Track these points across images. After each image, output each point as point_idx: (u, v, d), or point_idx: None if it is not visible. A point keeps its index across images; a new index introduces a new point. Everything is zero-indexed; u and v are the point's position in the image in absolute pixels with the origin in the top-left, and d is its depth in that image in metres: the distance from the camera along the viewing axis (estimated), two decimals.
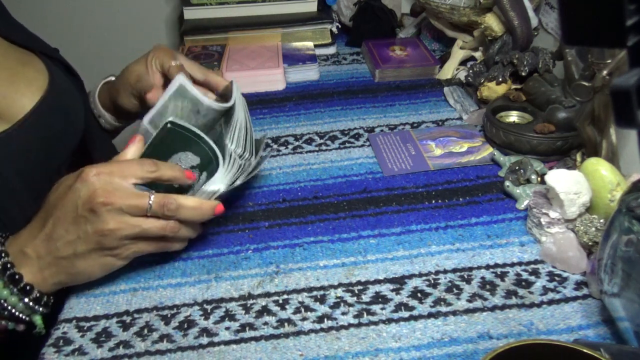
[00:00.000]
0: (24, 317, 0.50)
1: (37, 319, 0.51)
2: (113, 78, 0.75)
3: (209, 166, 0.57)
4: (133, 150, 0.55)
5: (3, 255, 0.50)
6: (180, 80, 0.61)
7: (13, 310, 0.49)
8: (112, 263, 0.52)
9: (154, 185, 0.53)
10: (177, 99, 0.61)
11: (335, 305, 0.52)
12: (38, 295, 0.50)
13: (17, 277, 0.49)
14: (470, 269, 0.56)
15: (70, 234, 0.50)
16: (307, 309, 0.52)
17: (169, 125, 0.57)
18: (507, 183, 0.65)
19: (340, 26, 1.13)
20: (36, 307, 0.50)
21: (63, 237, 0.50)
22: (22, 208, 0.58)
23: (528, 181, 0.65)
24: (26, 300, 0.50)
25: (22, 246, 0.50)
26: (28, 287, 0.50)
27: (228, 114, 0.63)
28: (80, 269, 0.51)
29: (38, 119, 0.61)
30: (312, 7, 1.11)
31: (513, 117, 0.77)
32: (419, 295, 0.53)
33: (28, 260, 0.50)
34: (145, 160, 0.53)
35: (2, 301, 0.49)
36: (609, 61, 0.60)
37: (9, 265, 0.49)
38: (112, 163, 0.52)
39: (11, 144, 0.58)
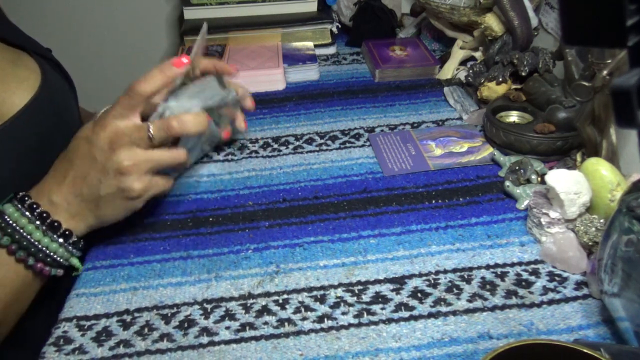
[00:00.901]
0: (63, 261, 0.55)
1: (75, 262, 0.56)
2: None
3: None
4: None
5: (35, 206, 0.53)
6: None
7: (55, 256, 0.54)
8: (132, 198, 0.56)
9: None
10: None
11: (335, 305, 0.53)
12: (75, 239, 0.55)
13: (55, 224, 0.54)
14: (470, 269, 0.56)
15: (92, 178, 0.54)
16: (307, 308, 0.52)
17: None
18: (507, 183, 0.65)
19: (340, 26, 1.13)
20: (74, 250, 0.55)
21: (87, 181, 0.54)
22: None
23: (528, 181, 0.65)
24: (66, 244, 0.54)
25: (50, 196, 0.54)
26: (67, 232, 0.54)
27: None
28: (107, 211, 0.56)
29: (30, 117, 0.61)
30: (312, 7, 1.11)
31: (513, 117, 0.77)
32: (419, 295, 0.53)
33: (58, 208, 0.54)
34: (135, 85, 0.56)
35: (44, 248, 0.53)
36: (609, 61, 0.60)
37: (44, 215, 0.53)
38: (117, 102, 0.56)
39: (2, 141, 0.58)
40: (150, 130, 0.55)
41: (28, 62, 0.67)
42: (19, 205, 0.53)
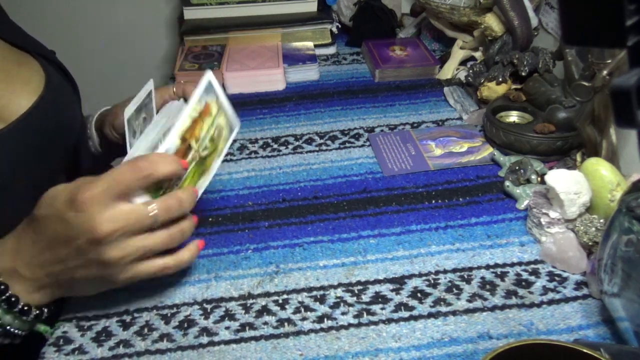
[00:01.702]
0: (21, 333, 0.49)
1: (40, 327, 0.50)
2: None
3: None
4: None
5: None
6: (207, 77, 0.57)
7: (9, 328, 0.48)
8: (113, 284, 0.49)
9: None
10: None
11: (335, 305, 0.53)
12: (37, 312, 0.49)
13: (13, 299, 0.47)
14: (470, 269, 0.56)
15: (69, 262, 0.46)
16: (307, 308, 0.52)
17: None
18: (507, 183, 0.65)
19: (340, 26, 1.13)
20: (35, 321, 0.49)
21: (61, 264, 0.47)
22: (17, 207, 0.58)
23: (528, 181, 0.65)
24: (24, 318, 0.48)
25: (14, 265, 0.47)
26: (26, 308, 0.48)
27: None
28: (81, 290, 0.50)
29: (34, 119, 0.61)
30: (312, 7, 1.11)
31: (513, 117, 0.77)
32: (419, 295, 0.53)
33: (22, 280, 0.47)
34: (137, 162, 0.47)
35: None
36: (609, 61, 0.60)
37: (2, 287, 0.47)
38: (102, 179, 0.46)
39: (7, 143, 0.58)
40: (153, 213, 0.46)
41: (32, 64, 0.67)
42: None
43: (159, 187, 0.49)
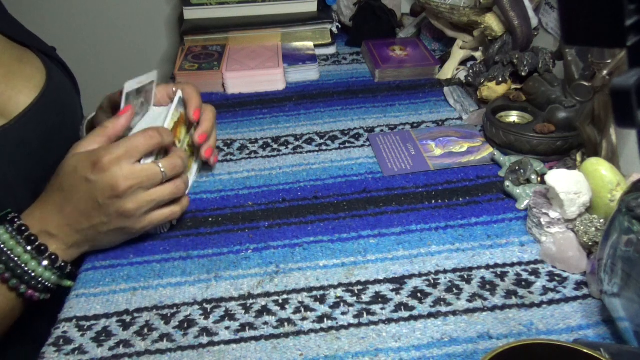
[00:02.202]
0: (53, 286, 0.55)
1: (68, 283, 0.56)
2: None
3: None
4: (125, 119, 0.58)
5: (24, 228, 0.53)
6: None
7: (46, 283, 0.54)
8: (131, 233, 0.58)
9: None
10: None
11: (335, 305, 0.53)
12: (63, 264, 0.55)
13: (53, 257, 0.53)
14: (470, 269, 0.56)
15: (93, 218, 0.54)
16: (307, 309, 0.52)
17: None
18: (507, 183, 0.65)
19: (340, 26, 1.13)
20: (63, 275, 0.55)
21: (88, 220, 0.54)
22: (18, 203, 0.58)
23: (528, 181, 0.65)
24: (55, 270, 0.54)
25: (45, 226, 0.54)
26: (62, 264, 0.54)
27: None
28: (104, 242, 0.58)
29: (35, 115, 0.62)
30: (312, 7, 1.11)
31: (513, 117, 0.77)
32: (419, 295, 0.53)
33: (53, 238, 0.54)
34: (148, 131, 0.56)
35: (36, 276, 0.53)
36: (609, 61, 0.60)
37: (32, 238, 0.53)
38: (120, 145, 0.54)
39: (8, 139, 0.58)
40: (164, 170, 0.56)
41: (33, 61, 0.67)
42: (10, 228, 0.52)
43: (157, 154, 0.58)
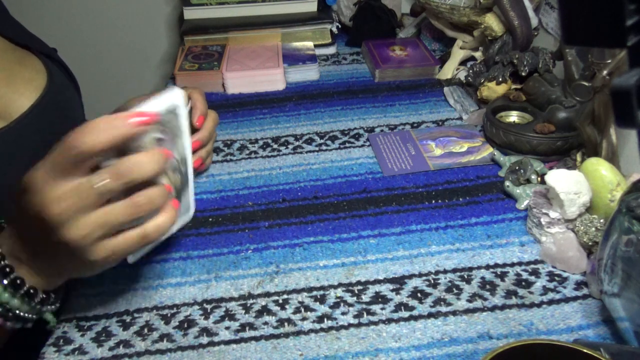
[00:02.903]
0: (30, 316, 0.48)
1: (48, 316, 0.49)
2: None
3: None
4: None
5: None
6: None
7: (18, 312, 0.47)
8: (92, 267, 0.47)
9: None
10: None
11: (335, 305, 0.53)
12: (44, 296, 0.48)
13: (18, 281, 0.46)
14: (470, 269, 0.56)
15: (41, 245, 0.45)
16: (307, 309, 0.52)
17: None
18: (507, 183, 0.65)
19: (340, 26, 1.13)
20: (43, 308, 0.48)
21: (37, 247, 0.46)
22: None
23: (528, 181, 0.65)
24: (31, 302, 0.47)
25: (13, 249, 0.47)
26: (32, 291, 0.47)
27: None
28: (73, 271, 0.48)
29: (36, 118, 0.61)
30: (312, 7, 1.11)
31: (513, 117, 0.77)
32: (419, 295, 0.53)
33: (23, 264, 0.47)
34: (67, 136, 0.42)
35: (5, 305, 0.46)
36: (609, 61, 0.60)
37: (7, 270, 0.46)
38: (45, 158, 0.43)
39: (9, 141, 0.58)
40: (99, 184, 0.42)
41: (34, 62, 0.67)
42: None
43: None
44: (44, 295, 0.48)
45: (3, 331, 0.48)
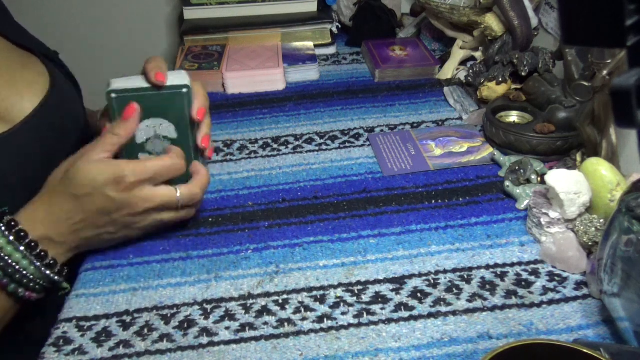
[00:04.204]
0: (48, 285, 0.54)
1: (64, 284, 0.56)
2: None
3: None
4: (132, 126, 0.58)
5: (23, 234, 0.52)
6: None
7: (43, 283, 0.53)
8: (129, 237, 0.60)
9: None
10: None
11: (335, 305, 0.53)
12: (60, 267, 0.55)
13: (42, 254, 0.53)
14: (470, 269, 0.56)
15: (102, 228, 0.56)
16: (307, 309, 0.52)
17: (112, 95, 0.58)
18: (507, 183, 0.65)
19: (340, 26, 1.13)
20: (59, 277, 0.55)
21: (95, 229, 0.56)
22: (21, 207, 0.58)
23: (528, 181, 0.65)
24: (51, 273, 0.54)
25: (47, 232, 0.54)
26: (52, 262, 0.54)
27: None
28: (102, 245, 0.59)
29: (39, 121, 0.61)
30: (312, 7, 1.11)
31: (513, 117, 0.77)
32: (419, 295, 0.53)
33: (54, 244, 0.54)
34: (175, 160, 0.58)
35: (30, 276, 0.52)
36: (609, 61, 0.60)
37: (32, 245, 0.52)
38: (147, 169, 0.55)
39: (12, 144, 0.58)
40: (179, 196, 0.57)
41: (37, 66, 0.67)
42: (7, 232, 0.51)
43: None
44: (60, 267, 0.55)
45: (24, 303, 0.54)
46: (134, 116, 0.57)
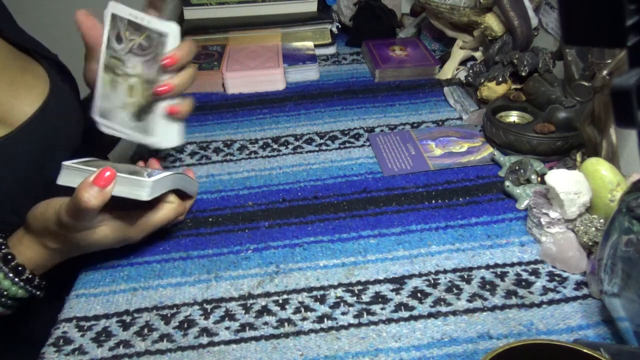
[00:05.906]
0: (21, 297, 0.54)
1: (37, 293, 0.56)
2: None
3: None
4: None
5: (10, 257, 0.53)
6: (110, 9, 0.61)
7: (14, 298, 0.53)
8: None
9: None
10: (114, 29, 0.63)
11: (335, 305, 0.53)
12: (35, 280, 0.55)
13: (20, 268, 0.53)
14: (470, 269, 0.56)
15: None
16: (307, 309, 0.52)
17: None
18: (507, 183, 0.65)
19: (340, 26, 1.13)
20: (35, 291, 0.55)
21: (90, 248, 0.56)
22: (19, 211, 0.58)
23: (528, 181, 0.65)
24: (27, 286, 0.54)
25: (40, 261, 0.55)
26: (30, 276, 0.54)
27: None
28: (99, 247, 0.57)
29: (39, 125, 0.61)
30: (312, 7, 1.11)
31: (513, 117, 0.77)
32: (419, 295, 0.53)
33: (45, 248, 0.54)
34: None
35: (5, 293, 0.52)
36: (609, 61, 0.60)
37: (29, 276, 0.53)
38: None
39: (11, 148, 0.58)
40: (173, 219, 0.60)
41: (37, 69, 0.67)
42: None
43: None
44: (38, 281, 0.55)
45: None
46: (109, 187, 0.52)
